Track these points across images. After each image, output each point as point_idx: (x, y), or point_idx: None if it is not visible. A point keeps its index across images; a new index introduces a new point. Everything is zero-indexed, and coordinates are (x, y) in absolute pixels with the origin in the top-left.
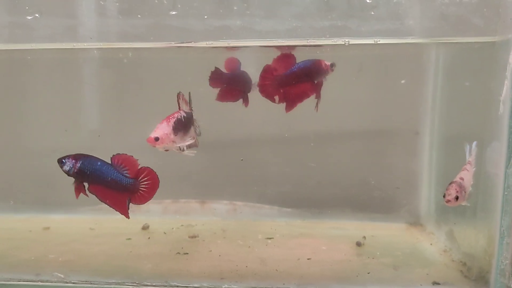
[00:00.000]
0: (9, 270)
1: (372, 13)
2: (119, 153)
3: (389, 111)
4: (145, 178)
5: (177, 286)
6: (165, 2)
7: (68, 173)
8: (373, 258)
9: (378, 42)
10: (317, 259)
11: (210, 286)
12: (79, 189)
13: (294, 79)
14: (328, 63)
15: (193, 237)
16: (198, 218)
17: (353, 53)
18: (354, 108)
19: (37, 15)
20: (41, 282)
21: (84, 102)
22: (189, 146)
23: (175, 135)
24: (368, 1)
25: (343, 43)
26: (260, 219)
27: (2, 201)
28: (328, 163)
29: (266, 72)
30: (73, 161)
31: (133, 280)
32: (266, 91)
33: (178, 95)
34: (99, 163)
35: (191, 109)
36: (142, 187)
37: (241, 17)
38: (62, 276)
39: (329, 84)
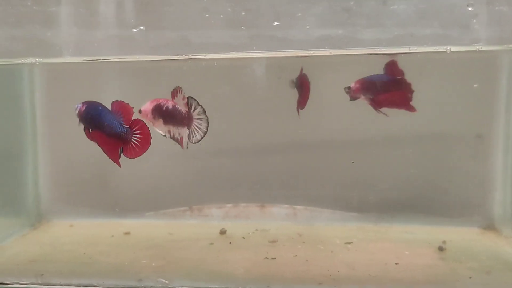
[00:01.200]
0: (108, 276)
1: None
2: (118, 100)
3: (454, 114)
4: (138, 131)
5: None
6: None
7: (77, 116)
8: (460, 262)
9: (480, 49)
10: (405, 264)
11: None
12: (87, 135)
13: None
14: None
15: (273, 241)
16: (262, 222)
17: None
18: (418, 113)
19: (141, 27)
20: None
21: None
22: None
23: (153, 117)
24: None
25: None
26: (329, 223)
27: (78, 207)
28: (391, 166)
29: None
30: (80, 105)
31: (234, 285)
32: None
33: (175, 90)
34: (100, 108)
35: (187, 111)
36: (134, 139)
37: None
38: (166, 282)
39: None
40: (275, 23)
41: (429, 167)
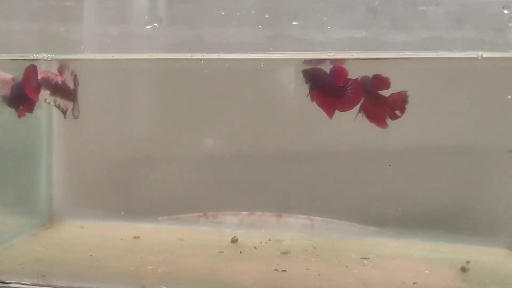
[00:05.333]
0: (113, 280)
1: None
2: None
3: (485, 127)
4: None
5: None
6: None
7: None
8: (484, 285)
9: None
10: (423, 284)
11: None
12: None
13: None
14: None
15: (285, 253)
16: (277, 232)
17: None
18: (447, 124)
19: (155, 24)
20: None
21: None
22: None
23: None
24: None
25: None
26: (346, 237)
27: (91, 208)
28: (415, 179)
29: None
30: None
31: None
32: None
33: (62, 66)
34: None
35: (73, 87)
36: None
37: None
38: None
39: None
40: None
41: (455, 182)
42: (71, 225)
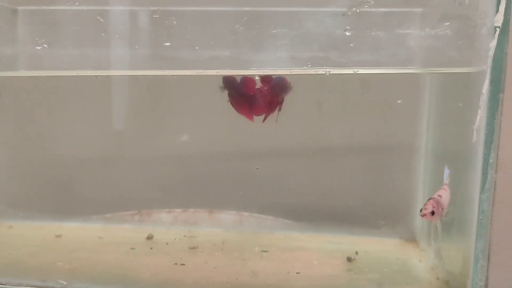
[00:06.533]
0: (20, 276)
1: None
2: None
3: (384, 129)
4: None
5: None
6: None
7: None
8: (360, 274)
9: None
10: (306, 274)
11: None
12: None
13: None
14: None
15: (193, 248)
16: (205, 228)
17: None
18: (352, 125)
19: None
20: None
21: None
22: None
23: None
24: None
25: (324, 72)
26: (262, 231)
27: (18, 209)
28: (330, 176)
29: None
30: None
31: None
32: None
33: None
34: None
35: None
36: None
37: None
38: (65, 283)
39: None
40: None
41: (359, 178)
42: (0, 225)
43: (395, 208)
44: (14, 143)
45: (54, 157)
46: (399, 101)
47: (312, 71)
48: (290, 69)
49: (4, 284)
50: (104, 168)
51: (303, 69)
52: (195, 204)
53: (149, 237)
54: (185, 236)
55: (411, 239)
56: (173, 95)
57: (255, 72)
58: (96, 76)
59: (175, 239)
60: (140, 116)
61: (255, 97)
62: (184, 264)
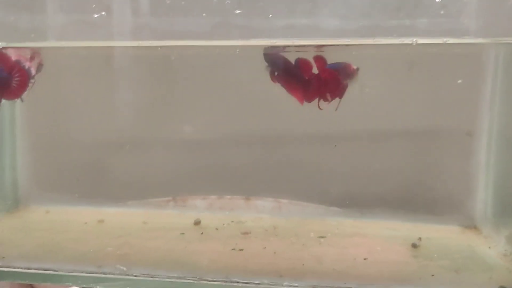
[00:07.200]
0: (71, 262)
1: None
2: None
3: (441, 111)
4: (17, 74)
5: (238, 282)
6: None
7: None
8: (431, 260)
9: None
10: (373, 260)
11: (271, 283)
12: None
13: None
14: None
15: (246, 233)
16: (244, 214)
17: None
18: (404, 107)
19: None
20: (103, 274)
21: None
22: None
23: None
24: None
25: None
26: (309, 217)
27: (53, 193)
28: (377, 162)
29: None
30: None
31: (194, 274)
32: None
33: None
34: None
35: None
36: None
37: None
38: (124, 268)
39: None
40: None
41: (414, 163)
42: (37, 210)
43: (454, 194)
44: (48, 125)
45: (87, 140)
46: (459, 81)
47: (397, 41)
48: (374, 39)
49: (56, 271)
50: (138, 152)
51: (388, 38)
52: (231, 191)
53: (197, 222)
54: (232, 221)
55: (471, 226)
56: (213, 73)
57: (335, 42)
58: (159, 47)
59: (223, 224)
60: (176, 98)
61: (309, 82)
62: (242, 250)
